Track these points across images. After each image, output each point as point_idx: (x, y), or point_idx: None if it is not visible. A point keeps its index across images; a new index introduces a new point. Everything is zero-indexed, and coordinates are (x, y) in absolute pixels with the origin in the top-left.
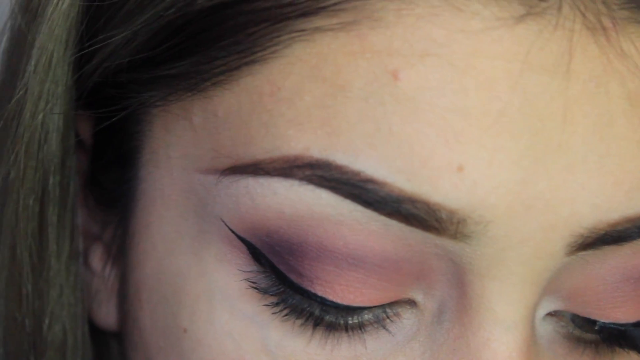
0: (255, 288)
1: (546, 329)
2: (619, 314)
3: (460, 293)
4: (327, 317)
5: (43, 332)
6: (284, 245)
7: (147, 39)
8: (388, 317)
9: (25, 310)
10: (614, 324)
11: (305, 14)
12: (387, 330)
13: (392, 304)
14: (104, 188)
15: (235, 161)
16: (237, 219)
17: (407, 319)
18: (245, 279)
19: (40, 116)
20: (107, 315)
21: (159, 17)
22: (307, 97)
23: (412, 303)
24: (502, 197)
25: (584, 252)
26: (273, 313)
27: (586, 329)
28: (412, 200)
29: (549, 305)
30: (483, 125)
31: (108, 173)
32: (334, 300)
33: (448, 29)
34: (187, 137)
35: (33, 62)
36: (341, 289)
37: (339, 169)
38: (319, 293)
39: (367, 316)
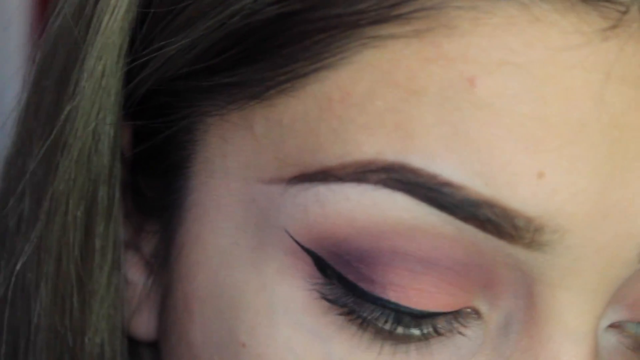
0: (324, 299)
1: (609, 340)
2: None
3: (528, 304)
4: (399, 328)
5: (85, 345)
6: (353, 252)
7: (208, 46)
8: (455, 328)
9: (69, 323)
10: None
11: (378, 21)
12: (453, 341)
13: (458, 314)
14: (144, 195)
15: (302, 169)
16: (304, 229)
17: (471, 331)
18: (311, 291)
19: (92, 126)
20: (144, 325)
21: (222, 25)
22: (378, 101)
23: (477, 314)
24: (580, 206)
25: None
26: (340, 326)
27: None
28: (490, 205)
29: (612, 315)
30: (562, 133)
31: (151, 181)
32: (409, 305)
33: (525, 39)
34: (248, 146)
35: (87, 72)
36: (415, 294)
37: (414, 172)
38: (393, 299)
39: (439, 324)
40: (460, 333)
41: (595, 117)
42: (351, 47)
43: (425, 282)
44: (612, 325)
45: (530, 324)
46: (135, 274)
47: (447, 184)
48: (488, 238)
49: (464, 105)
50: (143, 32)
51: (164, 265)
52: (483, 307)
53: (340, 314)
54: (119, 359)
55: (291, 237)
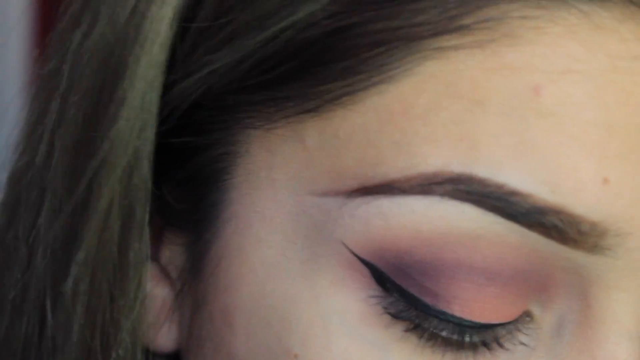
0: (385, 313)
1: None
2: None
3: (582, 306)
4: (460, 339)
5: (111, 358)
6: (416, 266)
7: (260, 60)
8: (515, 337)
9: (99, 339)
10: None
11: (440, 33)
12: (512, 349)
13: (517, 322)
14: (169, 206)
15: (363, 182)
16: (364, 242)
17: (524, 335)
18: (370, 303)
19: (135, 144)
20: (164, 337)
21: (275, 39)
22: (443, 113)
23: (530, 317)
24: None
25: None
26: (400, 338)
27: None
28: (557, 212)
29: None
30: (625, 139)
31: (180, 192)
32: (472, 319)
33: (587, 47)
34: (298, 159)
35: (130, 91)
36: (478, 307)
37: (481, 182)
38: (457, 313)
39: (501, 332)
40: (521, 343)
41: None
42: (412, 60)
43: (489, 293)
44: None
45: (585, 325)
46: (156, 285)
47: (515, 193)
48: (550, 244)
49: (529, 114)
50: (185, 46)
51: (196, 277)
52: (536, 310)
53: (402, 328)
54: None
55: (349, 249)
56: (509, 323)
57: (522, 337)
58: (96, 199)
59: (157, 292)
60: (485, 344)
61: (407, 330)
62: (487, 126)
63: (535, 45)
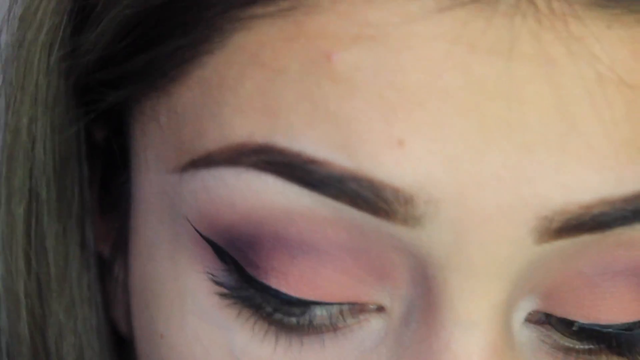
0: (223, 287)
1: (529, 337)
2: (600, 313)
3: (425, 290)
4: (285, 317)
5: (50, 347)
6: (242, 238)
7: (111, 38)
8: (344, 318)
9: (32, 327)
10: (595, 325)
11: (247, 3)
12: (353, 335)
13: (357, 311)
14: (109, 192)
15: (192, 156)
16: (199, 217)
17: (375, 325)
18: (211, 280)
19: (26, 120)
20: (121, 322)
21: (119, 15)
22: (248, 83)
23: (380, 309)
24: (450, 173)
25: (559, 242)
26: (236, 315)
27: (565, 333)
28: (356, 179)
29: (527, 306)
30: (423, 101)
31: (115, 177)
32: (287, 292)
33: (384, 13)
34: (158, 137)
35: (20, 70)
36: (294, 280)
37: (281, 152)
38: (274, 285)
39: (319, 312)
40: (361, 328)
41: (459, 87)
42: (225, 31)
43: (305, 267)
44: (535, 322)
45: (427, 311)
46: (113, 272)
47: (311, 161)
48: (366, 217)
49: (323, 81)
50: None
51: (124, 261)
52: (386, 301)
53: (235, 303)
54: (98, 358)
55: (191, 224)
56: (333, 305)
57: (365, 324)
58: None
59: (117, 278)
60: (313, 325)
61: (240, 306)
62: (286, 95)
63: (331, 12)
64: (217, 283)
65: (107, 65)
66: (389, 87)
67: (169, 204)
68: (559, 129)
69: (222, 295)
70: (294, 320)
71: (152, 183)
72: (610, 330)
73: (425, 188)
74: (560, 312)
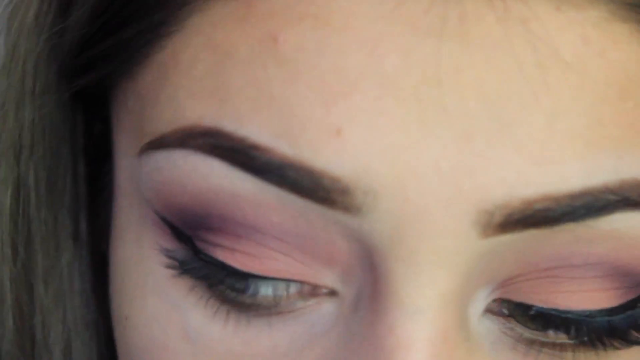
0: (174, 261)
1: (489, 328)
2: (558, 299)
3: (373, 277)
4: (231, 292)
5: (37, 335)
6: (195, 219)
7: (86, 21)
8: (292, 300)
9: (17, 313)
10: (553, 309)
11: None
12: (304, 318)
13: (308, 294)
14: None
15: (150, 138)
16: (155, 198)
17: (327, 310)
18: (166, 256)
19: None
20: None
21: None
22: (200, 66)
23: (333, 293)
24: (388, 164)
25: (506, 236)
26: (189, 290)
27: (524, 319)
28: (296, 167)
29: (486, 297)
30: (363, 87)
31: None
32: (234, 265)
33: None
34: (127, 122)
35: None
36: (241, 256)
37: (227, 136)
38: (220, 258)
39: (264, 290)
40: (312, 312)
41: (399, 70)
42: (183, 13)
43: (250, 245)
44: (494, 313)
45: (374, 298)
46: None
47: (255, 147)
48: (309, 204)
49: (269, 63)
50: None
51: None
52: (338, 286)
53: (186, 275)
54: (88, 349)
55: (151, 206)
56: (279, 280)
57: (316, 307)
58: None
59: None
60: (264, 305)
61: (193, 283)
62: (234, 79)
63: None
64: (170, 257)
65: (83, 49)
66: (331, 70)
67: (136, 187)
68: (500, 118)
69: (173, 268)
70: (240, 296)
71: (124, 168)
72: (569, 315)
73: (364, 179)
74: (518, 297)
